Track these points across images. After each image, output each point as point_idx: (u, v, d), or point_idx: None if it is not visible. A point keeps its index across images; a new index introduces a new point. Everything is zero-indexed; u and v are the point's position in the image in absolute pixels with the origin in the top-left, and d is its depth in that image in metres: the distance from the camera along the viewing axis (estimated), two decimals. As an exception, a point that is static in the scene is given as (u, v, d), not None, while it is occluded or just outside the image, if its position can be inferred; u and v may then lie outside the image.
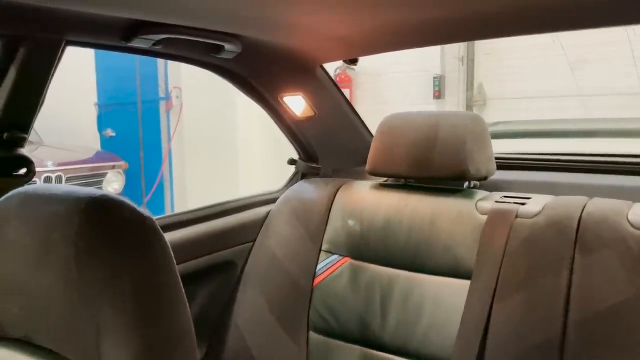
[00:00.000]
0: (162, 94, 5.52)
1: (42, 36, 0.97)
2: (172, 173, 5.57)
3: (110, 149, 5.51)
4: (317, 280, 1.42)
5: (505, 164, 1.55)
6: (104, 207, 0.67)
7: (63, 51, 1.01)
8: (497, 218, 1.23)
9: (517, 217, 1.21)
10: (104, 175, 4.95)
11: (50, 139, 5.17)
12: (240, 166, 5.14)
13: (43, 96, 1.02)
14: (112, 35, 1.08)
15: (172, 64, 5.37)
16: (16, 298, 0.72)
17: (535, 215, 1.20)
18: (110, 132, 5.82)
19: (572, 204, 1.19)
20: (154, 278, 0.66)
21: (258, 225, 1.57)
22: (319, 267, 1.43)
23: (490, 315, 1.17)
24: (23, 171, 1.04)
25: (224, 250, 1.50)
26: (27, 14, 0.92)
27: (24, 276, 0.70)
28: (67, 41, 1.01)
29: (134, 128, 5.67)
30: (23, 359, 0.71)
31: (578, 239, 1.13)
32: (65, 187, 0.72)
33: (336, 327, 1.38)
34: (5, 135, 0.99)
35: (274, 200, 1.63)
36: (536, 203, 1.24)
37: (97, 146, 5.74)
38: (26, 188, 0.74)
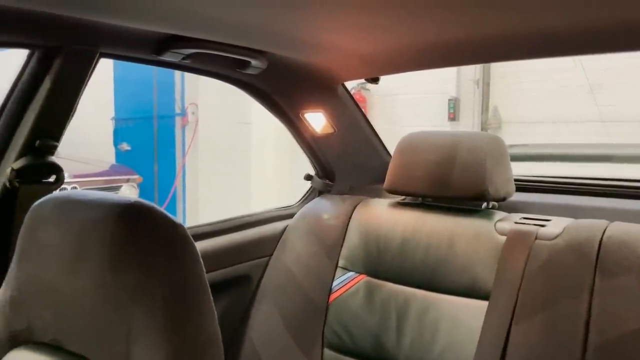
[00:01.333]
0: (178, 110, 5.59)
1: (78, 47, 1.00)
2: (185, 188, 5.60)
3: (125, 162, 5.57)
4: (332, 297, 1.42)
5: (524, 185, 1.55)
6: (137, 213, 0.68)
7: (96, 62, 1.04)
8: (516, 239, 1.23)
9: (536, 238, 1.21)
10: (118, 188, 4.99)
11: (66, 151, 5.23)
12: (252, 183, 5.16)
13: (75, 106, 1.05)
14: (144, 48, 1.11)
15: (189, 80, 5.45)
16: (48, 302, 0.73)
17: (555, 237, 1.19)
18: (125, 146, 5.89)
19: (592, 227, 1.19)
20: (184, 284, 0.67)
21: (274, 240, 1.58)
22: (334, 283, 1.43)
23: (508, 337, 1.16)
24: (52, 178, 1.06)
25: (240, 263, 1.51)
26: (65, 25, 0.95)
27: (57, 280, 0.71)
28: (101, 53, 1.04)
29: (149, 143, 5.73)
30: None
31: (598, 262, 1.12)
32: (99, 193, 0.73)
33: (350, 345, 1.38)
34: (37, 142, 1.01)
35: (290, 216, 1.64)
36: (556, 225, 1.24)
37: (112, 159, 5.80)
38: (60, 193, 0.76)
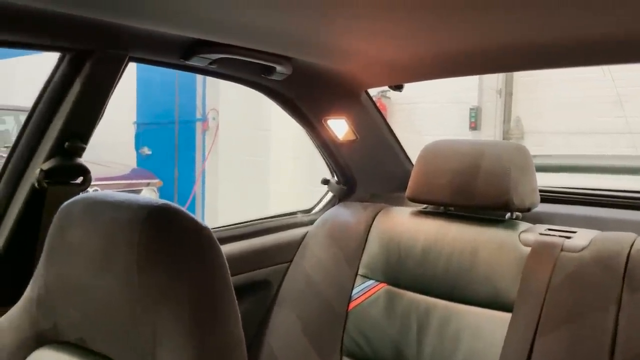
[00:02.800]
0: (199, 115, 5.65)
1: (108, 51, 1.01)
2: (204, 192, 5.65)
3: (146, 166, 5.64)
4: (352, 305, 1.42)
5: (549, 196, 1.53)
6: (165, 215, 0.69)
7: (125, 66, 1.05)
8: (541, 250, 1.21)
9: (562, 250, 1.19)
10: (138, 191, 5.05)
11: (88, 154, 5.30)
12: (270, 189, 5.19)
13: (103, 109, 1.06)
14: (172, 52, 1.12)
15: (210, 86, 5.51)
16: (75, 301, 0.73)
17: (582, 250, 1.17)
18: (146, 150, 5.97)
19: (620, 239, 1.16)
20: (210, 286, 0.68)
21: (294, 246, 1.58)
22: (354, 291, 1.43)
23: (531, 350, 1.14)
24: (80, 180, 1.08)
25: (260, 269, 1.51)
26: (96, 29, 0.97)
27: (84, 280, 0.72)
28: (130, 57, 1.05)
29: (169, 147, 5.80)
30: None
31: (626, 275, 1.10)
32: (128, 195, 0.74)
33: (370, 354, 1.37)
34: (66, 144, 1.03)
35: (310, 222, 1.64)
36: (582, 237, 1.21)
37: (133, 163, 5.88)
38: (89, 194, 0.76)
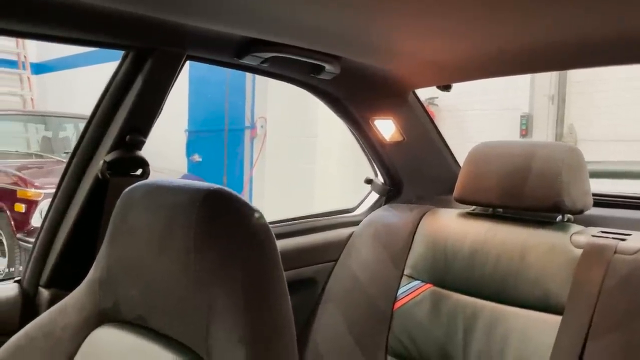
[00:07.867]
0: (247, 123, 5.78)
1: (168, 49, 1.07)
2: (252, 198, 5.75)
3: (196, 172, 5.81)
4: (397, 305, 1.42)
5: (601, 200, 1.48)
6: (220, 198, 0.72)
7: (183, 64, 1.11)
8: (593, 253, 1.18)
9: (615, 252, 1.15)
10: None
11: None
12: (316, 196, 5.22)
13: (162, 105, 1.12)
14: (227, 51, 1.17)
15: (258, 95, 5.63)
16: (135, 281, 0.78)
17: (636, 252, 1.13)
18: (196, 158, 6.14)
19: None
20: (262, 267, 0.70)
21: (340, 246, 1.59)
22: (400, 291, 1.43)
23: (582, 354, 1.10)
24: (139, 171, 1.14)
25: (306, 266, 1.53)
26: (158, 28, 1.02)
27: (145, 260, 0.76)
28: (187, 55, 1.11)
29: (219, 154, 5.96)
30: (135, 341, 0.77)
31: None
32: (185, 180, 0.78)
33: (415, 354, 1.36)
34: (127, 137, 1.09)
35: (356, 222, 1.66)
36: (636, 240, 1.17)
37: (184, 169, 6.07)
38: (150, 180, 0.81)
